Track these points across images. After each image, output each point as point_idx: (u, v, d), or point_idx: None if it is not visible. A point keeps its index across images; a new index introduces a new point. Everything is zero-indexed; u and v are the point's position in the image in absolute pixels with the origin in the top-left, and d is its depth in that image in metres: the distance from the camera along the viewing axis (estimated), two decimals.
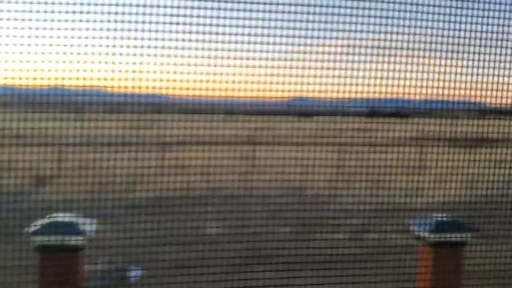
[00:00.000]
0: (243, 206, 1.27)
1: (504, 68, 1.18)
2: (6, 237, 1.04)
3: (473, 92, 1.18)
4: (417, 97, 1.15)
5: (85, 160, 1.03)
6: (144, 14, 1.03)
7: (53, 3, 0.99)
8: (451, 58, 1.16)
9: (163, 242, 1.09)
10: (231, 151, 1.25)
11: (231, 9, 1.06)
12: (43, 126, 0.99)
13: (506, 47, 1.17)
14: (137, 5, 1.03)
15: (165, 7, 1.04)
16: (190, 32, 1.06)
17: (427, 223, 1.31)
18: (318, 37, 1.14)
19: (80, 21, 1.00)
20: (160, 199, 1.15)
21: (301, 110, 1.26)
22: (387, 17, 1.11)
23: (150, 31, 1.03)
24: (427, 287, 1.32)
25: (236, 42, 1.10)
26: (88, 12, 1.01)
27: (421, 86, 1.14)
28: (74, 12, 1.01)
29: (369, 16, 1.11)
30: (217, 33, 1.09)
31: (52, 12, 1.00)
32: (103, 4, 1.00)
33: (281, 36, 1.09)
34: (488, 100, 1.20)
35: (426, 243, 1.33)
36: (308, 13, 1.11)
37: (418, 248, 1.38)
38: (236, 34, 1.08)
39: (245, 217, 1.23)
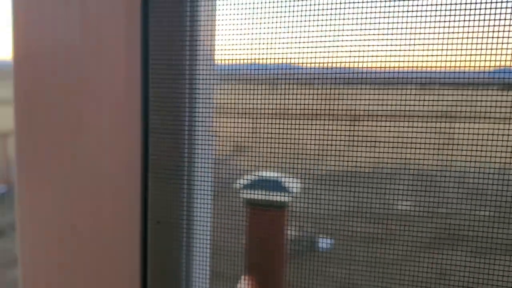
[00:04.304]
0: (438, 183, 1.21)
1: None
2: (219, 193, 1.14)
3: None
4: None
5: (279, 130, 1.08)
6: None
7: None
8: None
9: (353, 215, 1.09)
10: (426, 126, 1.19)
11: None
12: (242, 98, 1.06)
13: None
14: None
15: None
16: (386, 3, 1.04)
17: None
18: None
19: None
20: (351, 172, 1.15)
21: (506, 81, 1.15)
22: None
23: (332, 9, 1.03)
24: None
25: (432, 6, 1.04)
26: None
27: None
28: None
29: None
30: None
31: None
32: None
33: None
34: None
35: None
36: None
37: None
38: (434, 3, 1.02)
39: (439, 196, 1.17)
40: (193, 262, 0.67)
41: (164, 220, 0.65)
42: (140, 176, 0.64)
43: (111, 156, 0.64)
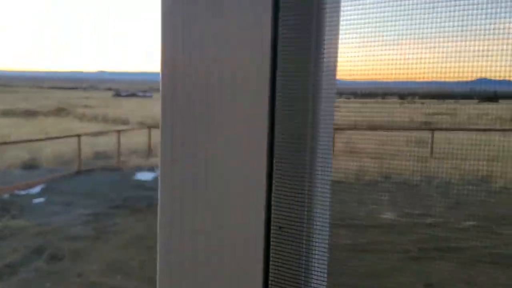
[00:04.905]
0: (421, 194, 1.22)
1: None
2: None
3: None
4: None
5: None
6: None
7: None
8: None
9: (337, 225, 1.09)
10: (407, 136, 1.20)
11: None
12: None
13: None
14: None
15: None
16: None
17: None
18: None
19: None
20: (333, 182, 1.16)
21: (485, 92, 1.17)
22: None
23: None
24: None
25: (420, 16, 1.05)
26: None
27: None
28: None
29: None
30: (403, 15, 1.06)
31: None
32: None
33: (464, 7, 1.01)
34: None
35: None
36: None
37: None
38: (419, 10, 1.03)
39: (423, 206, 1.18)
40: (313, 267, 0.70)
41: (285, 226, 0.71)
42: (265, 185, 0.69)
43: (240, 166, 0.70)
